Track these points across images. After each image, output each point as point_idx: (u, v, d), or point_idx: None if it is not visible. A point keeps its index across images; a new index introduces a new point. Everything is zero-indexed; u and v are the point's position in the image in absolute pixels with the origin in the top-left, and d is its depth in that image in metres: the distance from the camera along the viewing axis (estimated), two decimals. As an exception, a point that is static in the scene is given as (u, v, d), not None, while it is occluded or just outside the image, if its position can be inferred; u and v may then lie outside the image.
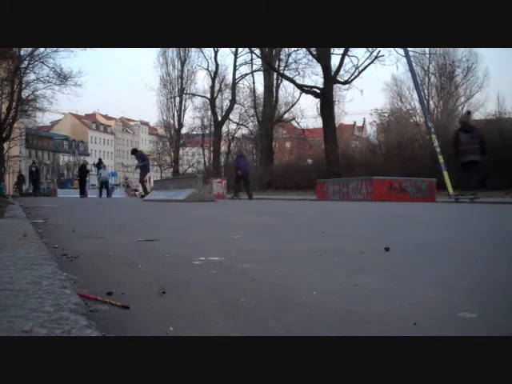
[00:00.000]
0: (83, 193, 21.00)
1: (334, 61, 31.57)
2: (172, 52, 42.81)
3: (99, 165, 22.44)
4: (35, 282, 1.05)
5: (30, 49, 26.43)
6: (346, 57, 25.03)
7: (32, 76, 29.01)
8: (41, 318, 0.77)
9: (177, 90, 43.58)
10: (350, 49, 24.07)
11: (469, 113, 11.92)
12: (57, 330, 0.71)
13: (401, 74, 55.14)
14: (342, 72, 25.55)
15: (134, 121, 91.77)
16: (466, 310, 1.11)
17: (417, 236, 3.07)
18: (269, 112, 32.01)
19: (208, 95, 37.44)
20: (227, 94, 37.01)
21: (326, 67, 24.32)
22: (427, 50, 28.37)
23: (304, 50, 26.38)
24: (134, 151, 17.33)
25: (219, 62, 35.87)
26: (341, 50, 24.63)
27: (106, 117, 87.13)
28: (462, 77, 39.64)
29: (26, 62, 28.07)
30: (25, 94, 30.00)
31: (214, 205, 9.34)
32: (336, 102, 29.14)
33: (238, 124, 37.95)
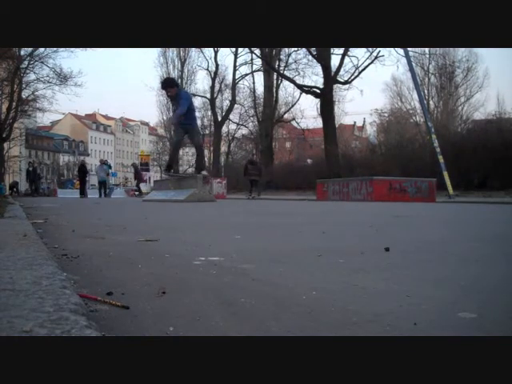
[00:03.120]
0: (83, 193, 20.99)
1: (334, 61, 31.54)
2: (172, 52, 42.80)
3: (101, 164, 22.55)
4: (35, 282, 1.04)
5: (29, 49, 26.46)
6: (346, 57, 25.06)
7: (32, 76, 29.05)
8: (41, 318, 0.77)
9: (177, 90, 43.42)
10: (350, 49, 24.09)
11: (253, 155, 23.50)
12: (57, 330, 0.71)
13: (401, 74, 55.16)
14: (342, 72, 25.58)
15: (134, 121, 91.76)
16: (466, 310, 1.11)
17: (417, 236, 3.07)
18: (269, 112, 32.00)
19: (208, 95, 37.44)
20: (227, 94, 37.01)
21: (326, 67, 24.33)
22: (427, 50, 28.39)
23: (304, 50, 26.40)
24: (170, 82, 10.60)
25: (219, 62, 35.91)
26: (341, 50, 24.66)
27: (106, 117, 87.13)
28: (462, 77, 39.65)
29: (26, 62, 28.08)
30: (25, 94, 30.04)
31: (214, 205, 9.34)
32: (336, 102, 29.18)
33: (238, 124, 37.93)
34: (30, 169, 26.51)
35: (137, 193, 23.46)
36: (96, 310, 1.10)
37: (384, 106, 45.10)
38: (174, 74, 42.79)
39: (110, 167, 24.50)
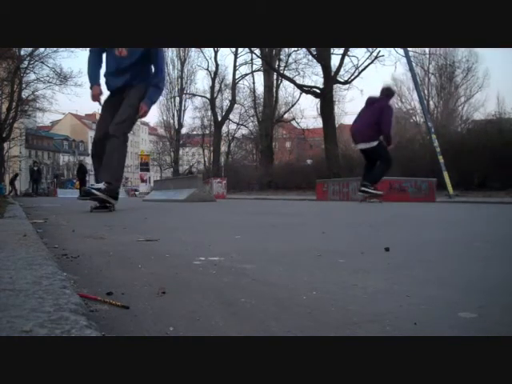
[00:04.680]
0: (83, 193, 20.97)
1: (334, 61, 31.57)
2: (172, 52, 42.82)
3: None
4: (35, 282, 1.04)
5: (29, 49, 26.48)
6: (346, 57, 25.09)
7: (32, 76, 29.11)
8: (41, 318, 0.77)
9: (177, 89, 43.57)
10: (350, 49, 24.09)
11: (191, 166, 27.78)
12: (57, 330, 0.71)
13: (400, 74, 55.30)
14: (342, 72, 25.61)
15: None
16: (467, 310, 1.11)
17: (417, 236, 3.07)
18: (269, 112, 32.01)
19: (208, 95, 37.48)
20: (227, 94, 37.08)
21: (326, 67, 24.34)
22: (427, 49, 28.43)
23: (304, 50, 26.41)
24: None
25: (219, 62, 35.98)
26: (341, 50, 24.67)
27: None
28: (462, 77, 39.69)
29: (26, 62, 28.11)
30: (25, 94, 30.10)
31: (214, 205, 9.35)
32: (336, 102, 29.21)
33: (238, 124, 37.98)
34: (35, 168, 26.52)
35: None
36: (96, 310, 1.10)
37: (384, 106, 45.04)
38: (174, 74, 42.84)
39: None
